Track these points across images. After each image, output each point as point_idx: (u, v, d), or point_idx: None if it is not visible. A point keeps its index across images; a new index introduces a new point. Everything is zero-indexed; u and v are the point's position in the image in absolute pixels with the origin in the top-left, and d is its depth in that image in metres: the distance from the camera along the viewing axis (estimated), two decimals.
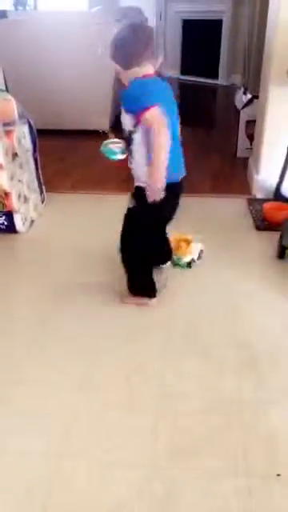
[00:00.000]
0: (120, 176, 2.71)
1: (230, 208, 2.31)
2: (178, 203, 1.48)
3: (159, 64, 1.34)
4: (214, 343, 1.41)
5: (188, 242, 1.80)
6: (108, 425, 1.14)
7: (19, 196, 2.03)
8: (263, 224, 2.11)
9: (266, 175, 2.36)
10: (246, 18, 4.13)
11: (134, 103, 1.26)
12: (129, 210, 1.45)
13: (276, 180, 2.29)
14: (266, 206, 2.16)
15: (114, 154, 1.43)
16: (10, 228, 2.06)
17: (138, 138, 1.31)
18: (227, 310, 1.56)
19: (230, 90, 5.01)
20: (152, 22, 5.55)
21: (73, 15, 3.59)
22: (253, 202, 2.33)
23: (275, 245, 1.86)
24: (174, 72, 6.09)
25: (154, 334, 1.46)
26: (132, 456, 1.06)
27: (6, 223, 2.05)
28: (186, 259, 1.78)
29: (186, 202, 2.36)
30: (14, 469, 1.04)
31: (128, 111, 1.30)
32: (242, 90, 3.19)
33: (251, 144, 2.74)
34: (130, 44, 1.28)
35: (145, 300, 1.57)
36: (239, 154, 2.94)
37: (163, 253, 1.68)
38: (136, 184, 1.41)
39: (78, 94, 3.31)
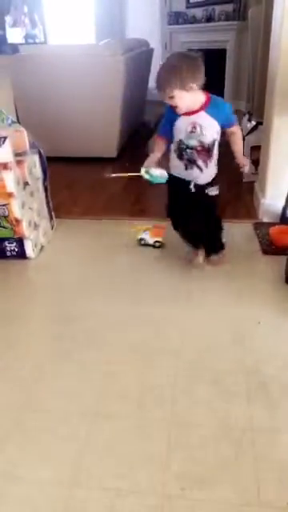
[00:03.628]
0: (128, 201, 2.77)
1: (237, 232, 2.33)
2: None
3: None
4: (222, 369, 1.41)
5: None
6: (119, 453, 1.14)
7: (30, 223, 2.08)
8: (270, 248, 2.12)
9: (271, 199, 2.39)
10: (250, 46, 4.26)
11: (228, 118, 1.75)
12: (214, 196, 1.85)
13: (282, 204, 2.32)
14: (273, 230, 2.18)
15: (163, 178, 1.74)
16: (21, 254, 2.10)
17: (217, 145, 1.75)
18: (235, 335, 1.57)
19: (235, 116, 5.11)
20: (158, 52, 5.73)
21: (81, 48, 3.73)
22: (259, 226, 2.36)
23: (282, 269, 1.87)
24: None
25: (163, 360, 1.46)
26: (144, 485, 1.05)
27: (16, 249, 2.09)
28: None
29: None
30: (25, 498, 1.04)
31: (222, 123, 1.72)
32: (247, 116, 3.25)
33: (257, 169, 2.78)
34: (198, 68, 1.61)
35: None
36: (245, 178, 2.98)
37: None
38: (208, 180, 1.81)
39: (86, 123, 3.40)
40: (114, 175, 1.77)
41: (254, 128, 2.91)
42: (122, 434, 1.19)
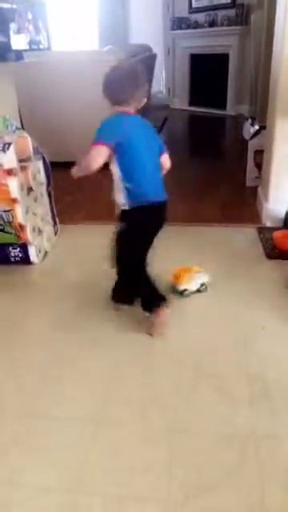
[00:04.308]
0: None
1: (240, 237, 2.33)
2: (158, 224, 1.60)
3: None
4: (225, 375, 1.40)
5: (189, 273, 1.81)
6: (122, 460, 1.14)
7: (33, 228, 2.09)
8: (274, 252, 2.12)
9: (275, 204, 2.39)
10: (252, 51, 4.27)
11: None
12: (119, 232, 1.57)
13: (285, 208, 2.32)
14: (277, 234, 2.18)
15: None
16: (25, 259, 2.11)
17: (113, 167, 1.51)
18: (238, 340, 1.56)
19: (238, 120, 5.13)
20: (161, 57, 5.76)
21: (85, 54, 3.75)
22: (263, 230, 2.35)
23: (286, 273, 1.87)
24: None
25: (166, 365, 1.46)
26: (147, 492, 1.05)
27: (20, 255, 2.10)
28: (181, 287, 1.79)
29: (196, 231, 2.41)
30: (27, 504, 1.04)
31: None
32: (250, 121, 3.27)
33: (260, 173, 2.79)
34: (125, 87, 1.50)
35: (164, 315, 1.59)
36: (248, 183, 2.99)
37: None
38: (120, 208, 1.56)
39: (90, 129, 3.41)
40: None
41: (257, 132, 2.92)
42: (124, 440, 1.19)
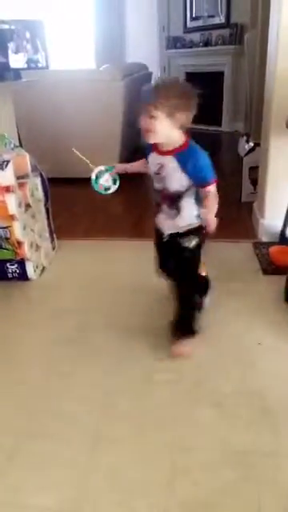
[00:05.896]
0: (129, 222, 2.80)
1: (236, 252, 2.35)
2: None
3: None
4: (225, 393, 1.40)
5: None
6: (122, 479, 1.13)
7: (31, 245, 2.10)
8: (270, 267, 2.13)
9: (270, 219, 2.42)
10: (247, 69, 4.36)
11: (200, 176, 1.40)
12: (190, 250, 1.51)
13: (281, 223, 2.34)
14: (273, 249, 2.20)
15: (108, 189, 1.58)
16: (22, 275, 2.11)
17: (189, 196, 1.43)
18: (236, 357, 1.56)
19: (233, 137, 5.19)
20: (156, 75, 5.86)
21: (82, 73, 3.82)
22: (259, 245, 2.37)
23: (282, 288, 1.88)
24: None
25: (165, 383, 1.46)
26: (146, 510, 1.04)
27: (18, 271, 2.11)
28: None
29: None
30: None
31: (192, 180, 1.40)
32: (245, 137, 3.31)
33: (255, 189, 2.82)
34: (191, 103, 1.41)
35: (191, 342, 1.57)
36: (244, 198, 3.02)
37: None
38: (178, 230, 1.50)
39: (87, 146, 3.44)
40: (76, 152, 1.63)
41: (252, 149, 2.96)
42: (123, 459, 1.18)
